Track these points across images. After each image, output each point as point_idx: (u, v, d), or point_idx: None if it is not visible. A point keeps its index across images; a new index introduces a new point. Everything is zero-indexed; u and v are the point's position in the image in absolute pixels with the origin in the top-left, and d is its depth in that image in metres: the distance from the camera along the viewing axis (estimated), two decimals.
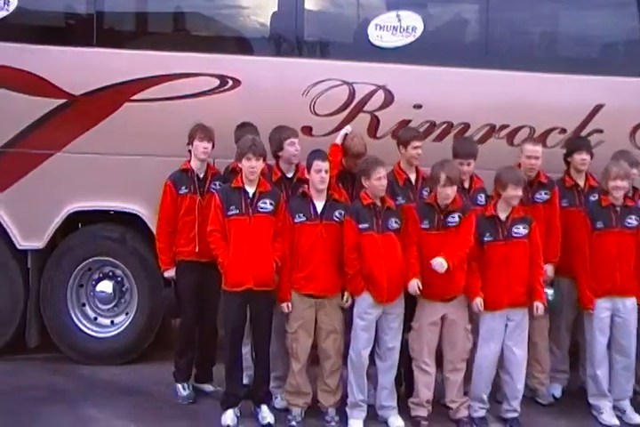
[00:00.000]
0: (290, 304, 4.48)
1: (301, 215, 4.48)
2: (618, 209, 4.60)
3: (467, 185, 4.77)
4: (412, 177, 4.78)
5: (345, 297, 4.50)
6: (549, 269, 4.72)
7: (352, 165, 4.77)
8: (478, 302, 4.44)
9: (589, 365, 4.71)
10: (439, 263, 4.34)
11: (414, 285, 4.39)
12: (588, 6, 5.29)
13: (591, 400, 4.73)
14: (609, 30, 5.27)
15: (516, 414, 4.61)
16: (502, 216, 4.51)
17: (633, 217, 4.61)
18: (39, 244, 5.26)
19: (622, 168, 4.57)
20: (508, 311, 4.50)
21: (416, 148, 4.70)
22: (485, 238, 4.49)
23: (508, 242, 4.48)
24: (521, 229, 4.50)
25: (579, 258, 4.66)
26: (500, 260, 4.48)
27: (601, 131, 5.07)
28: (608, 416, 4.65)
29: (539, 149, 4.79)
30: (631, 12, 5.16)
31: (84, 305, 5.44)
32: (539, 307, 4.50)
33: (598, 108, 5.08)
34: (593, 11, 5.26)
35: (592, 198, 4.80)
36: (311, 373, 4.65)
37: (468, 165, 4.70)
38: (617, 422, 4.64)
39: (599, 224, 4.59)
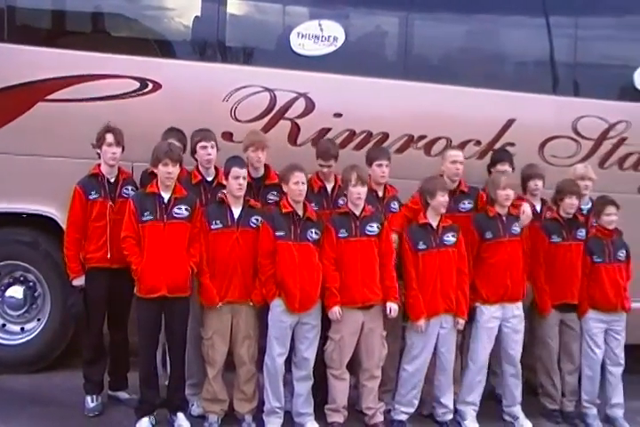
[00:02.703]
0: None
1: (218, 222, 4.47)
2: (504, 218, 4.75)
3: (380, 194, 4.85)
4: (329, 186, 4.83)
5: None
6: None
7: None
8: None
9: (469, 371, 4.78)
10: (394, 311, 4.50)
11: (335, 311, 4.46)
12: (505, 24, 5.47)
13: (458, 406, 4.82)
14: (523, 49, 5.45)
15: (451, 416, 4.76)
16: (434, 224, 4.63)
17: (517, 224, 4.77)
18: None
19: (509, 178, 4.75)
20: (443, 318, 4.63)
21: (322, 166, 4.75)
22: (420, 247, 4.60)
23: (441, 250, 4.60)
24: (450, 238, 4.63)
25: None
26: (435, 267, 4.59)
27: (513, 144, 5.23)
28: (470, 423, 4.77)
29: (461, 153, 4.93)
30: (544, 32, 5.34)
31: None
32: (459, 323, 4.66)
33: (510, 122, 5.24)
34: (510, 29, 5.44)
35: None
36: (228, 379, 4.64)
37: (387, 166, 4.76)
38: None
39: (488, 234, 4.72)
